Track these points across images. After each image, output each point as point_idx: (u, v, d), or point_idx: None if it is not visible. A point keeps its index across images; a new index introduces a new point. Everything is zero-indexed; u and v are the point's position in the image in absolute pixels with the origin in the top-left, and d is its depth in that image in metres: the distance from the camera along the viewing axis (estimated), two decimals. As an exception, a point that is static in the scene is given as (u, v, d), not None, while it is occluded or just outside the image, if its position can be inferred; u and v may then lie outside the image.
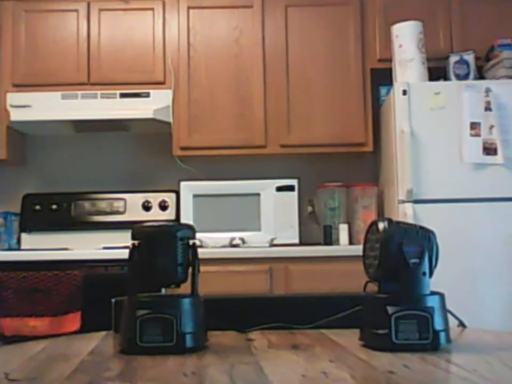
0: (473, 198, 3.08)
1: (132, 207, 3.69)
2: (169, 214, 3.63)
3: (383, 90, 3.62)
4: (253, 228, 3.48)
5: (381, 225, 1.13)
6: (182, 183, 3.55)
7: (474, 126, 3.10)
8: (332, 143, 3.50)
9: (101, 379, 0.92)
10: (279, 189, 3.52)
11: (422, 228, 1.15)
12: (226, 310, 1.34)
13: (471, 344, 1.19)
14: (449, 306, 1.14)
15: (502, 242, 3.05)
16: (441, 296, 1.12)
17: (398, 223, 1.15)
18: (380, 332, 1.07)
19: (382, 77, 3.55)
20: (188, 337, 1.09)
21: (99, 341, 1.24)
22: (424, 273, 1.11)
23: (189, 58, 3.54)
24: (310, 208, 3.75)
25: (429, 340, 1.06)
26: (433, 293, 1.11)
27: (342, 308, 1.26)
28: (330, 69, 3.54)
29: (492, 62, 3.36)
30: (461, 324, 1.34)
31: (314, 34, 3.57)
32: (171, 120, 3.49)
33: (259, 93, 3.52)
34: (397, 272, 1.10)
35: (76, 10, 3.56)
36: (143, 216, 3.66)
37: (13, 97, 3.46)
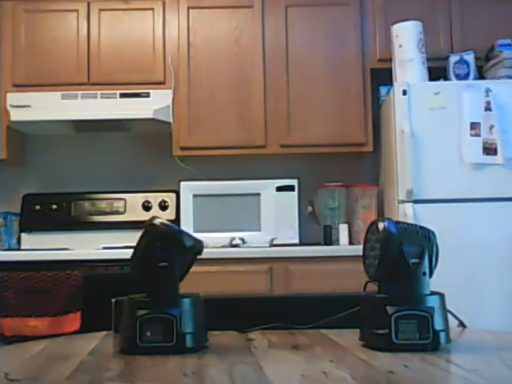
0: (473, 198, 3.08)
1: (132, 207, 3.69)
2: (169, 214, 3.63)
3: (383, 90, 3.62)
4: (253, 228, 3.48)
5: (381, 225, 1.13)
6: (182, 183, 3.55)
7: (474, 126, 3.10)
8: (332, 143, 3.50)
9: (101, 379, 0.91)
10: (279, 189, 3.52)
11: (422, 227, 1.15)
12: (226, 310, 1.34)
13: (471, 344, 1.19)
14: (449, 306, 1.14)
15: (502, 242, 3.05)
16: (441, 296, 1.12)
17: (398, 223, 1.14)
18: (380, 331, 1.07)
19: (382, 77, 3.55)
20: (188, 337, 1.09)
21: (99, 341, 1.24)
22: (424, 273, 1.11)
23: (189, 58, 3.54)
24: (310, 208, 3.75)
25: (429, 340, 1.06)
26: (433, 293, 1.11)
27: (342, 308, 1.26)
28: (330, 69, 3.54)
29: (491, 62, 3.36)
30: (461, 324, 1.34)
31: (314, 34, 3.57)
32: (171, 120, 3.49)
33: (259, 93, 3.52)
34: (397, 272, 1.10)
35: (76, 10, 3.56)
36: (143, 216, 3.65)
37: (13, 97, 3.46)
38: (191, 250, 1.14)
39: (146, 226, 1.14)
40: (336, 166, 3.79)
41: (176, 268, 1.12)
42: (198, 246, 1.16)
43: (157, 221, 1.13)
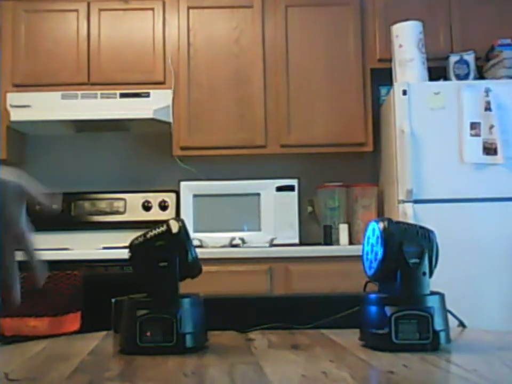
0: (473, 198, 3.08)
1: (132, 207, 3.69)
2: (169, 214, 3.63)
3: (383, 90, 3.62)
4: (253, 228, 3.48)
5: (381, 225, 1.13)
6: (182, 183, 3.55)
7: (474, 126, 3.10)
8: (332, 143, 3.51)
9: (101, 379, 0.91)
10: (279, 189, 3.52)
11: (422, 227, 1.15)
12: (226, 310, 1.34)
13: (471, 344, 1.19)
14: (449, 306, 1.14)
15: (502, 242, 3.05)
16: (441, 296, 1.12)
17: (398, 223, 1.14)
18: (380, 332, 1.07)
19: (382, 77, 3.55)
20: (188, 337, 1.09)
21: (99, 341, 1.24)
22: (424, 273, 1.10)
23: (189, 58, 3.54)
24: (310, 208, 3.75)
25: (429, 340, 1.06)
26: (433, 293, 1.11)
27: (342, 307, 1.26)
28: (330, 69, 3.54)
29: (491, 62, 3.36)
30: (461, 324, 1.34)
31: (314, 34, 3.57)
32: (171, 120, 3.49)
33: (259, 93, 3.52)
34: (396, 272, 1.10)
35: (76, 10, 3.56)
36: (143, 216, 3.66)
37: (13, 97, 3.46)
38: (190, 265, 1.14)
39: (168, 222, 1.14)
40: (336, 166, 3.79)
41: (176, 267, 1.11)
42: (197, 266, 1.15)
43: (177, 222, 1.13)
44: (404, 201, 3.12)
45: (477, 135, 3.09)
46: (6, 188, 0.89)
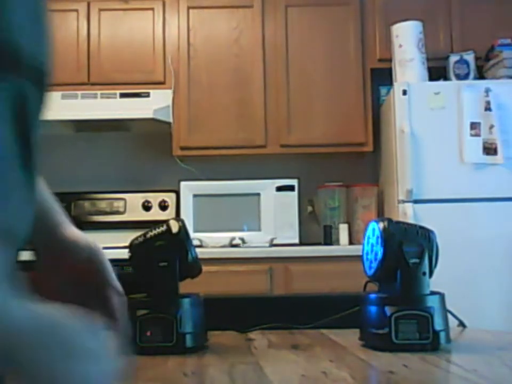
0: (473, 198, 3.08)
1: (131, 207, 3.69)
2: (169, 214, 3.63)
3: (383, 90, 3.62)
4: (253, 228, 3.48)
5: (381, 225, 1.13)
6: (182, 183, 3.55)
7: (474, 126, 3.10)
8: (331, 143, 3.50)
9: (101, 379, 0.91)
10: (279, 189, 3.52)
11: (422, 227, 1.15)
12: (226, 310, 1.34)
13: (471, 344, 1.19)
14: (449, 306, 1.14)
15: (502, 242, 3.05)
16: (441, 296, 1.12)
17: (398, 223, 1.14)
18: (380, 331, 1.07)
19: (382, 77, 3.55)
20: (188, 337, 1.09)
21: (99, 341, 1.24)
22: (424, 273, 1.10)
23: (189, 58, 3.54)
24: (310, 208, 3.75)
25: (429, 340, 1.06)
26: (433, 293, 1.11)
27: (342, 308, 1.26)
28: (330, 69, 3.54)
29: (491, 62, 3.36)
30: (461, 324, 1.34)
31: (314, 34, 3.57)
32: (171, 120, 3.49)
33: (259, 93, 3.52)
34: (396, 272, 1.10)
35: (76, 10, 3.56)
36: (143, 216, 3.66)
37: (13, 97, 3.46)
38: (190, 265, 1.14)
39: (168, 222, 1.13)
40: (336, 166, 3.79)
41: (176, 267, 1.12)
42: (197, 266, 1.15)
43: (177, 222, 1.13)
44: (404, 201, 3.11)
45: (477, 135, 3.09)
46: (99, 252, 0.91)
